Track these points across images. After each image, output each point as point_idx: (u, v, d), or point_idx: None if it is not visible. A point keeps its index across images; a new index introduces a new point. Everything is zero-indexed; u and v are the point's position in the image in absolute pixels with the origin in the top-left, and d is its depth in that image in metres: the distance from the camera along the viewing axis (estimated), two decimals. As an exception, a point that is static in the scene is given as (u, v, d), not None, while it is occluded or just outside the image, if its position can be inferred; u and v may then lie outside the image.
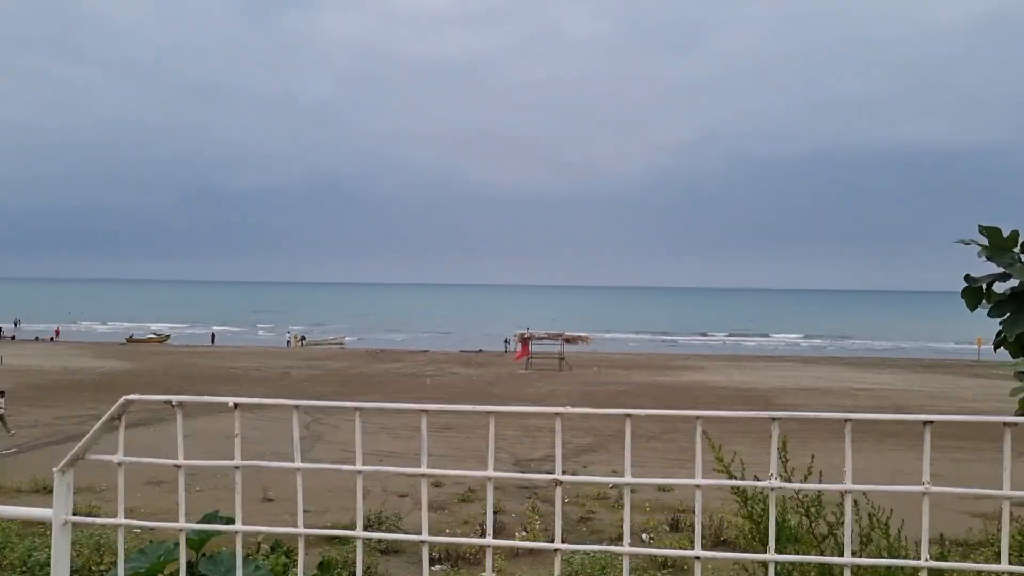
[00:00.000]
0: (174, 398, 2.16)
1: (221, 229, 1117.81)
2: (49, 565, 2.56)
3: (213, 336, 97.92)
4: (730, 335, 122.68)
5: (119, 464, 2.35)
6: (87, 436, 2.20)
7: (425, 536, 2.42)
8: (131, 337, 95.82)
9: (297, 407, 2.06)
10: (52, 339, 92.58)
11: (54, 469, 2.18)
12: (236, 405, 2.13)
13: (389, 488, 22.19)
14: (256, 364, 62.75)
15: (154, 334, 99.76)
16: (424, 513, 2.48)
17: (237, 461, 2.38)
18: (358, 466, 2.26)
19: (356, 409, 2.14)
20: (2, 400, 31.07)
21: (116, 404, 2.13)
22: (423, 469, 2.45)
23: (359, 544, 2.37)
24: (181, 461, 2.42)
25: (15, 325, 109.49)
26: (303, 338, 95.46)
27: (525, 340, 64.45)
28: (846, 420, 2.22)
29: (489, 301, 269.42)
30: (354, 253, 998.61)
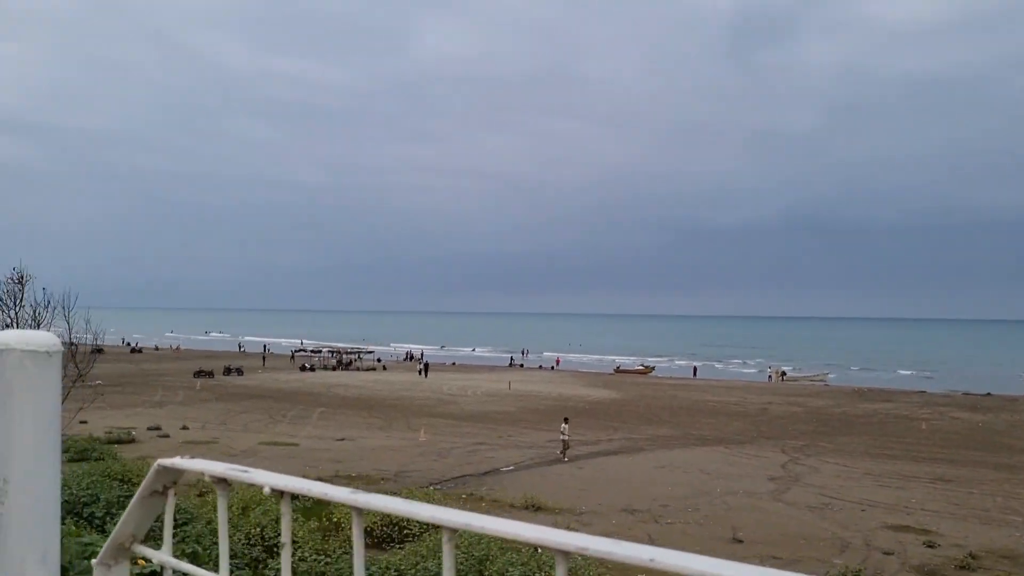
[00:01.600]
0: (211, 470, 1.12)
1: (704, 265, 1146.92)
2: None
3: (695, 369, 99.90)
4: None
5: (160, 569, 1.44)
6: (125, 515, 1.39)
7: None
8: (619, 367, 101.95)
9: (357, 509, 0.98)
10: (553, 368, 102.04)
11: (93, 562, 1.42)
12: (283, 493, 1.05)
13: (872, 542, 20.10)
14: (735, 399, 62.39)
15: (641, 365, 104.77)
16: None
17: None
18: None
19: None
20: (566, 426, 34.02)
21: (151, 472, 1.28)
22: None
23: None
24: None
25: (523, 354, 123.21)
26: (784, 373, 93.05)
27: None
28: None
29: (996, 339, 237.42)
30: (837, 286, 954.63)
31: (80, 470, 17.67)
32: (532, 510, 22.72)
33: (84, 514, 12.45)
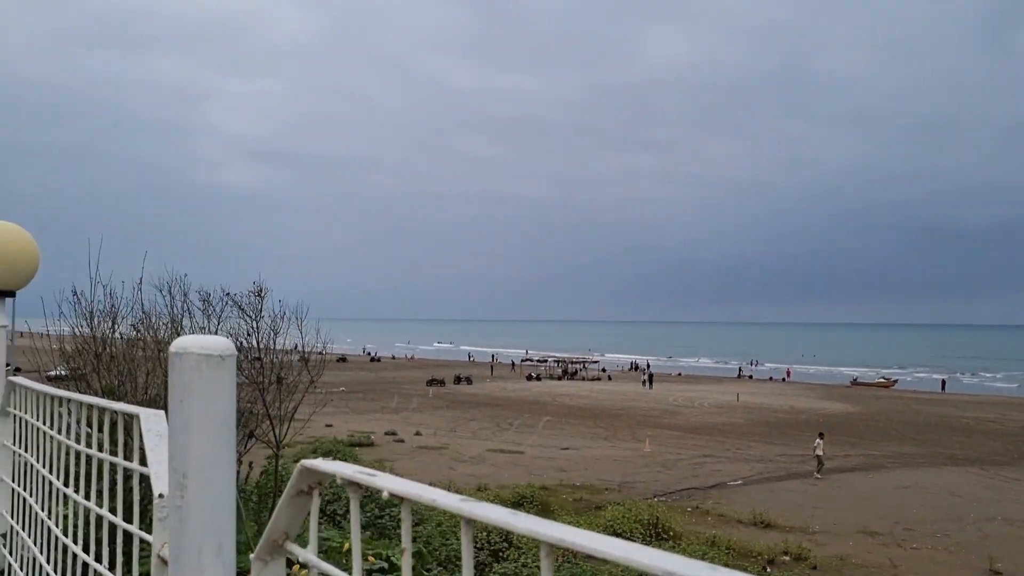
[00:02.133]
0: (342, 473, 1.21)
1: (951, 269, 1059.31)
2: None
3: (943, 383, 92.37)
4: None
5: (300, 566, 1.41)
6: (276, 514, 1.40)
7: None
8: (856, 380, 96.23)
9: (465, 518, 0.81)
10: (784, 379, 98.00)
11: (251, 556, 1.42)
12: (403, 499, 1.11)
13: None
14: (992, 415, 56.99)
15: (882, 378, 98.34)
16: None
17: None
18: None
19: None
20: (820, 442, 32.75)
21: (295, 473, 1.24)
22: None
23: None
24: None
25: (752, 365, 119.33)
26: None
27: None
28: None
29: None
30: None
31: (325, 471, 18.94)
32: (761, 526, 21.82)
33: (327, 511, 13.34)
